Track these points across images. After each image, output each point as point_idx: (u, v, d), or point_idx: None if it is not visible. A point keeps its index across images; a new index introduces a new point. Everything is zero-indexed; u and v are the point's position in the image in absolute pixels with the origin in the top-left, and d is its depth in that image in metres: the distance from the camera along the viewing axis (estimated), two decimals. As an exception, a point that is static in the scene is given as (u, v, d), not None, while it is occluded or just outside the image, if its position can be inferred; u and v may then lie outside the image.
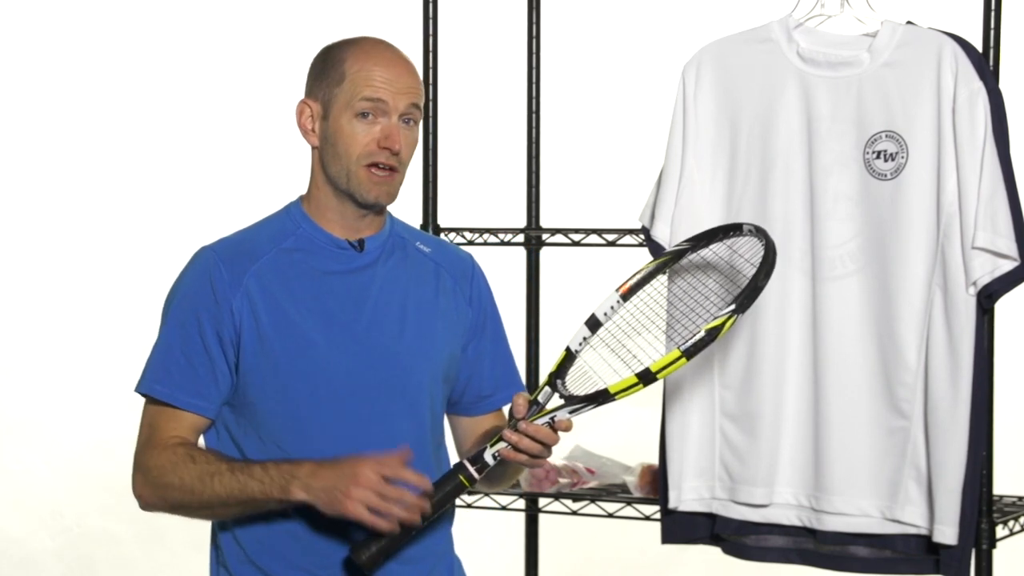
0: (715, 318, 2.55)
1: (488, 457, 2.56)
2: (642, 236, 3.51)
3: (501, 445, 2.55)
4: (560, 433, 2.57)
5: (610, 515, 3.75)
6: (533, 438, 2.54)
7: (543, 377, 2.88)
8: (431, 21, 3.91)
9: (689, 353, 2.53)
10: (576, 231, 3.88)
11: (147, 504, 2.63)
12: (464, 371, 2.78)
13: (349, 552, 2.56)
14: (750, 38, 3.39)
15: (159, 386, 2.62)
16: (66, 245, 6.63)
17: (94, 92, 6.60)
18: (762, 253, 2.62)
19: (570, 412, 2.55)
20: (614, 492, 3.78)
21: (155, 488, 2.59)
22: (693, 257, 2.81)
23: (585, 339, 2.69)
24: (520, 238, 3.98)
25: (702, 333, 2.53)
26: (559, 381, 2.64)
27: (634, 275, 2.74)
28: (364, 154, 2.62)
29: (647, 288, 2.75)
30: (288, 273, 2.64)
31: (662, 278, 2.79)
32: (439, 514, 2.58)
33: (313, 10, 6.33)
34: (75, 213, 6.63)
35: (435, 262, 2.76)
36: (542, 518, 4.06)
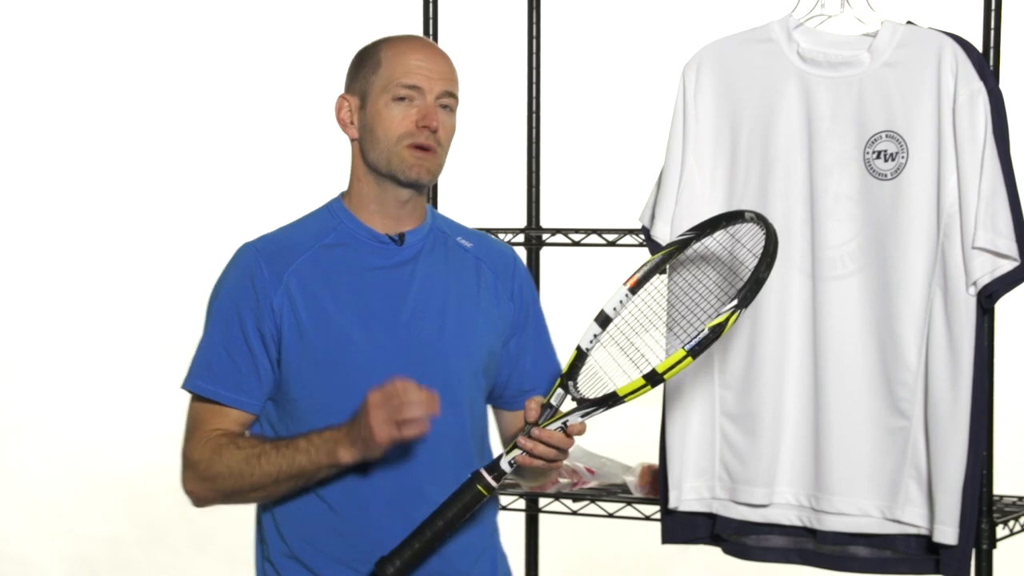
0: (719, 314, 2.52)
1: (504, 465, 2.56)
2: (642, 236, 3.51)
3: (516, 452, 2.55)
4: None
5: (610, 515, 3.75)
6: (547, 444, 2.54)
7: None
8: (431, 21, 3.91)
9: (694, 352, 2.51)
10: (576, 231, 3.88)
11: (199, 499, 2.64)
12: (506, 366, 2.78)
13: (375, 567, 2.55)
14: (750, 38, 3.39)
15: (203, 383, 2.65)
16: (67, 246, 6.63)
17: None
18: (763, 243, 2.57)
19: (582, 415, 2.55)
20: (614, 492, 3.77)
21: (204, 480, 2.61)
22: (696, 247, 2.77)
23: (595, 336, 2.67)
24: (520, 238, 3.98)
25: (706, 331, 2.51)
26: (571, 383, 2.62)
27: (641, 267, 2.72)
28: (404, 134, 2.63)
29: (654, 281, 2.73)
30: (329, 269, 2.65)
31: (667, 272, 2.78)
32: (459, 527, 2.57)
33: (315, 10, 6.33)
34: (77, 213, 6.62)
35: (476, 257, 2.76)
36: (542, 518, 4.06)
